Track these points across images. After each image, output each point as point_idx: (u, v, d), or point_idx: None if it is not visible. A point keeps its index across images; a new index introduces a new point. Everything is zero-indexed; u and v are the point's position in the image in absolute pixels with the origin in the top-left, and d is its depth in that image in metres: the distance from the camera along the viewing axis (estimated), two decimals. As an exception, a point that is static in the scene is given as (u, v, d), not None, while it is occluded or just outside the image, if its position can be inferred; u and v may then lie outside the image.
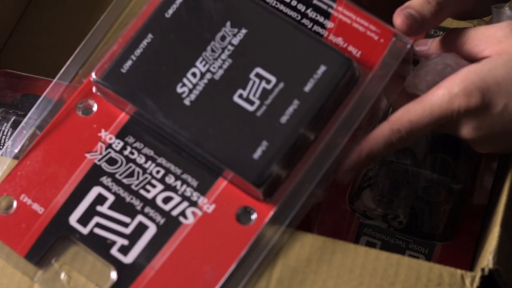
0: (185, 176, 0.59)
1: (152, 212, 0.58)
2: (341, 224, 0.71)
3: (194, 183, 0.59)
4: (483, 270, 0.56)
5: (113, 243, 0.58)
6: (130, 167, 0.60)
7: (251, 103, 0.58)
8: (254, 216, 0.58)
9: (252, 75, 0.59)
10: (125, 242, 0.58)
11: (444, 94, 0.58)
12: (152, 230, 0.58)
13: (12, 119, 0.72)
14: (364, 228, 0.71)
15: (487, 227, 0.65)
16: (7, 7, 0.88)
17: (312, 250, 0.58)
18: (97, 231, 0.58)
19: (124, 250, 0.58)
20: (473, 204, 0.70)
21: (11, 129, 0.71)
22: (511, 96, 0.58)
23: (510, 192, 0.62)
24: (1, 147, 0.71)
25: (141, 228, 0.58)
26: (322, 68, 0.58)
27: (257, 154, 0.57)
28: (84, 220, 0.59)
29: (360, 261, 0.58)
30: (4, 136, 0.71)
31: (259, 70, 0.59)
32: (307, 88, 0.58)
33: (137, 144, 0.60)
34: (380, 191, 0.69)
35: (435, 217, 0.69)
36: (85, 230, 0.59)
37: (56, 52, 0.86)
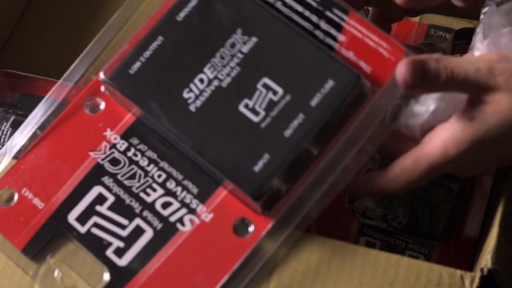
0: (186, 182, 0.59)
1: (150, 216, 0.58)
2: (341, 224, 0.70)
3: (195, 190, 0.58)
4: (482, 270, 0.56)
5: (109, 244, 0.58)
6: (133, 169, 0.59)
7: (256, 113, 0.58)
8: (251, 229, 0.57)
9: (259, 85, 0.58)
10: (121, 244, 0.58)
11: (441, 157, 0.58)
12: (148, 234, 0.58)
13: (12, 118, 0.72)
14: (364, 228, 0.70)
15: (486, 227, 0.65)
16: (7, 6, 0.88)
17: (311, 250, 0.58)
18: (95, 231, 0.58)
19: (120, 252, 0.58)
20: (473, 204, 0.69)
21: (10, 128, 0.71)
22: (504, 153, 0.59)
23: (509, 192, 0.62)
24: (0, 146, 0.71)
25: (138, 232, 0.58)
26: (330, 83, 0.58)
27: (258, 167, 0.57)
28: (82, 218, 0.59)
29: (360, 262, 0.58)
30: (3, 136, 0.71)
31: (266, 80, 0.58)
32: (314, 102, 0.57)
33: (141, 146, 0.60)
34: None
35: (434, 217, 0.68)
36: (82, 229, 0.59)
37: (56, 52, 0.86)
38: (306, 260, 0.57)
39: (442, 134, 0.58)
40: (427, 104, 0.59)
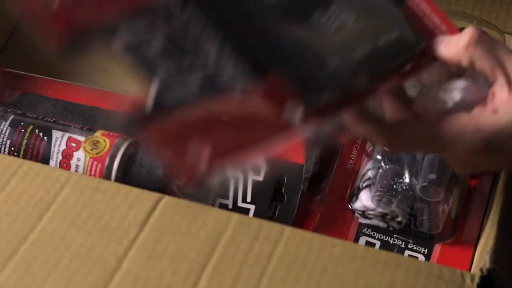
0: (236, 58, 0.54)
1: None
2: (341, 224, 0.70)
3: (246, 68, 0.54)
4: (481, 270, 0.57)
5: None
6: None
7: (328, 27, 0.56)
8: (298, 116, 0.54)
9: (335, 3, 0.57)
10: None
11: (453, 141, 0.58)
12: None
13: (11, 118, 0.71)
14: (363, 228, 0.71)
15: (485, 227, 0.66)
16: (7, 6, 0.84)
17: (311, 242, 0.58)
18: None
19: None
20: (473, 204, 0.71)
21: (9, 128, 0.70)
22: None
23: (506, 191, 0.65)
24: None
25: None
26: (396, 33, 0.57)
27: (325, 72, 0.54)
28: None
29: (360, 255, 0.58)
30: (2, 135, 0.70)
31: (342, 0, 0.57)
32: (380, 42, 0.57)
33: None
34: (380, 191, 0.68)
35: (434, 217, 0.69)
36: None
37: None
38: (307, 249, 0.58)
39: (461, 122, 0.58)
40: (453, 94, 0.60)
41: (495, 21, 0.78)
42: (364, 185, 0.70)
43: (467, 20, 0.75)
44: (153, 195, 0.60)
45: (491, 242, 0.59)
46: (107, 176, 0.66)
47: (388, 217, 0.69)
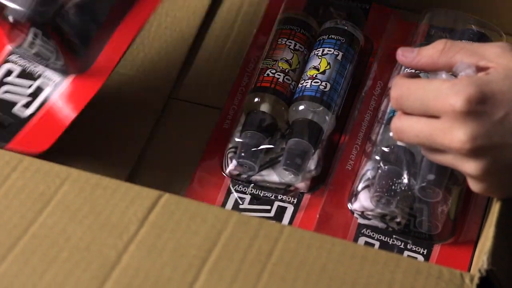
0: None
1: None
2: (340, 224, 0.70)
3: None
4: (479, 271, 0.57)
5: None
6: None
7: None
8: None
9: None
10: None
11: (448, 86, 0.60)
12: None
13: None
14: (362, 229, 0.70)
15: (483, 228, 0.66)
16: None
17: (311, 241, 0.58)
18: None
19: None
20: (472, 205, 0.70)
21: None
22: None
23: None
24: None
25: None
26: None
27: None
28: None
29: (361, 253, 0.57)
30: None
31: None
32: None
33: None
34: (378, 192, 0.68)
35: (433, 217, 0.68)
36: None
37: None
38: (307, 246, 0.57)
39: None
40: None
41: (496, 22, 0.77)
42: (363, 185, 0.69)
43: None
44: (153, 192, 0.60)
45: (489, 243, 0.59)
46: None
47: (387, 217, 0.69)
